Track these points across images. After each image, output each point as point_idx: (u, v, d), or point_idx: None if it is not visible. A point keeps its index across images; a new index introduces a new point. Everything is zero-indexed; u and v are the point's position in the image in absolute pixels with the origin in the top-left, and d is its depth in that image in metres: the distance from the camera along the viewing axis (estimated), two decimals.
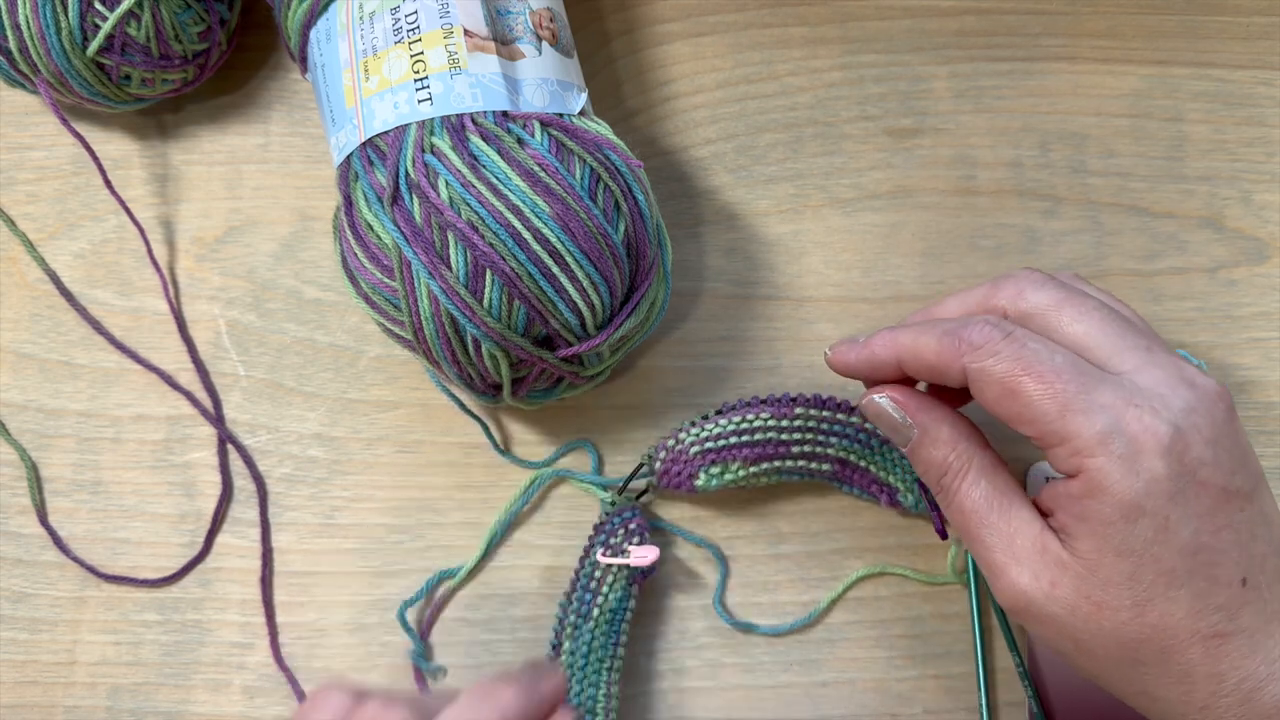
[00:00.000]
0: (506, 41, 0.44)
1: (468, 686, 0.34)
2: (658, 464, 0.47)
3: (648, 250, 0.45)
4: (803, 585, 0.48)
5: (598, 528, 0.47)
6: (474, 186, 0.41)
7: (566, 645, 0.45)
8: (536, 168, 0.42)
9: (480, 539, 0.48)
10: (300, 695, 0.47)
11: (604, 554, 0.46)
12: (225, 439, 0.50)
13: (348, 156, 0.44)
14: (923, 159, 0.53)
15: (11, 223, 0.52)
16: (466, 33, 0.43)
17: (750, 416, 0.47)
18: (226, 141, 0.53)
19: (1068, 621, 0.35)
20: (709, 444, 0.46)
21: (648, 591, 0.48)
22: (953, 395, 0.40)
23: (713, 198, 0.52)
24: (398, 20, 0.44)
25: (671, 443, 0.47)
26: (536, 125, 0.43)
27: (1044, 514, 0.37)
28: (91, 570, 0.48)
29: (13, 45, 0.47)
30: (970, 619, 0.47)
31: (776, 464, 0.46)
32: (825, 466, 0.47)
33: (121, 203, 0.50)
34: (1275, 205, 0.52)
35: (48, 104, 0.48)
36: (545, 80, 0.44)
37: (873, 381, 0.41)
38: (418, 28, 0.43)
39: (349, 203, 0.44)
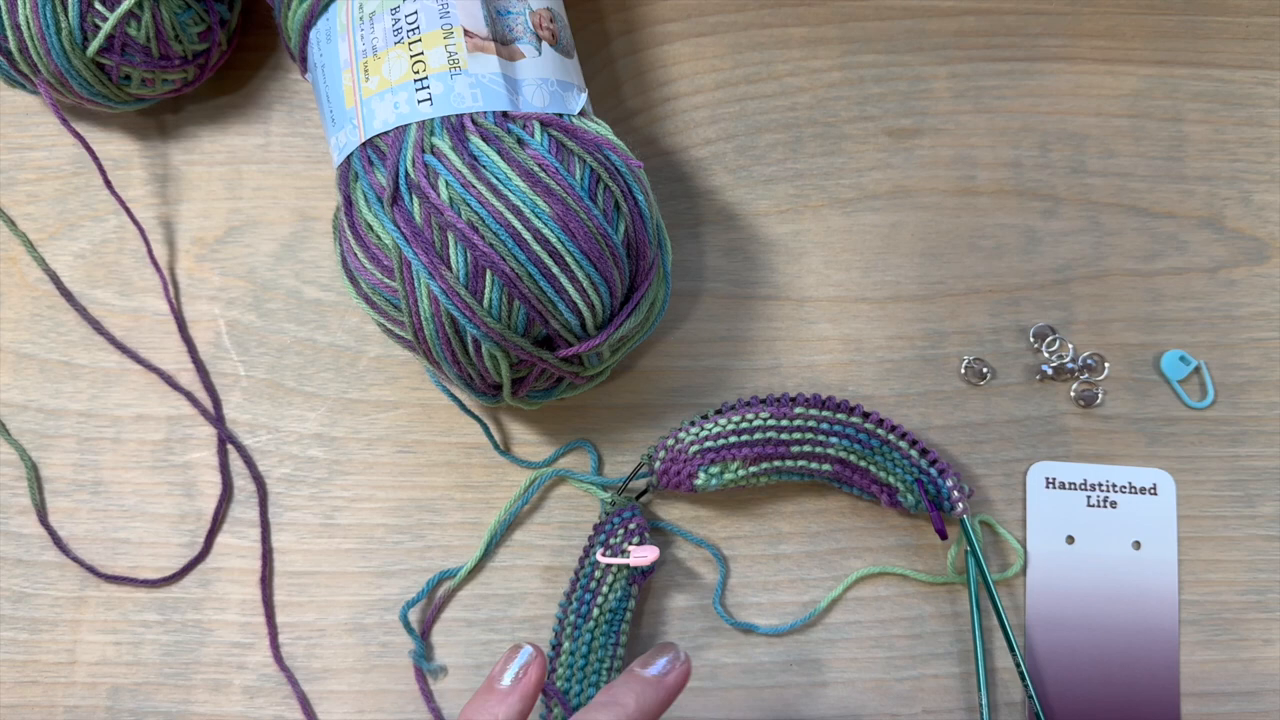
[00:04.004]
0: (506, 42, 0.44)
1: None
2: (657, 464, 0.47)
3: (648, 250, 0.45)
4: (802, 585, 0.48)
5: (598, 528, 0.47)
6: (474, 187, 0.41)
7: (566, 645, 0.45)
8: (536, 168, 0.42)
9: (480, 539, 0.48)
10: (300, 695, 0.47)
11: (604, 554, 0.46)
12: (225, 439, 0.50)
13: (348, 157, 0.44)
14: (923, 159, 0.53)
15: (12, 223, 0.52)
16: (466, 33, 0.43)
17: (750, 416, 0.47)
18: (227, 142, 0.53)
19: None
20: (708, 443, 0.46)
21: (648, 591, 0.48)
22: None
23: (713, 198, 0.52)
24: (398, 20, 0.44)
25: (671, 442, 0.47)
26: (536, 125, 0.43)
27: None
28: (91, 570, 0.48)
29: (13, 45, 0.47)
30: (970, 619, 0.47)
31: (776, 464, 0.46)
32: (825, 466, 0.47)
33: (122, 203, 0.50)
34: (1275, 205, 0.52)
35: (48, 104, 0.49)
36: (545, 80, 0.44)
37: None
38: (418, 28, 0.43)
39: (349, 203, 0.44)
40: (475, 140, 0.42)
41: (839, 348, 0.50)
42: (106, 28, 0.46)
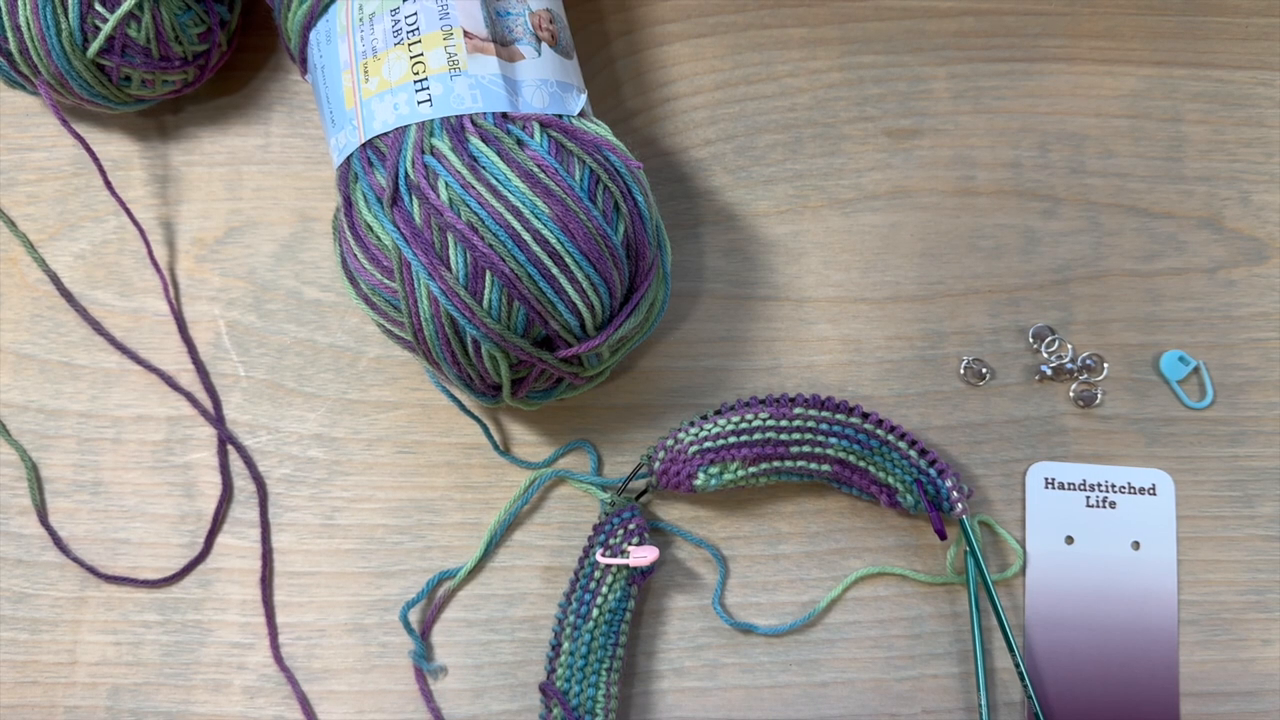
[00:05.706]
0: (506, 43, 0.44)
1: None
2: (657, 464, 0.47)
3: (647, 251, 0.45)
4: (802, 585, 0.48)
5: (597, 528, 0.47)
6: (474, 188, 0.41)
7: (566, 645, 0.45)
8: (536, 169, 0.42)
9: (480, 539, 0.48)
10: (300, 695, 0.47)
11: (603, 554, 0.46)
12: (225, 439, 0.50)
13: (347, 158, 0.44)
14: (922, 159, 0.53)
15: (12, 223, 0.52)
16: (466, 34, 0.44)
17: (749, 416, 0.47)
18: (227, 142, 0.53)
19: None
20: (708, 444, 0.46)
21: (648, 591, 0.48)
22: None
23: (712, 198, 0.52)
24: (397, 22, 0.44)
25: (670, 442, 0.47)
26: (536, 126, 0.43)
27: None
28: (92, 570, 0.48)
29: (13, 47, 0.47)
30: (970, 619, 0.47)
31: (775, 464, 0.46)
32: (825, 467, 0.47)
33: (122, 203, 0.50)
34: (1274, 205, 0.52)
35: (48, 105, 0.49)
36: (545, 81, 0.44)
37: None
38: (417, 29, 0.43)
39: (349, 204, 0.44)
40: (475, 141, 0.42)
41: (838, 348, 0.51)
42: (107, 29, 0.47)
